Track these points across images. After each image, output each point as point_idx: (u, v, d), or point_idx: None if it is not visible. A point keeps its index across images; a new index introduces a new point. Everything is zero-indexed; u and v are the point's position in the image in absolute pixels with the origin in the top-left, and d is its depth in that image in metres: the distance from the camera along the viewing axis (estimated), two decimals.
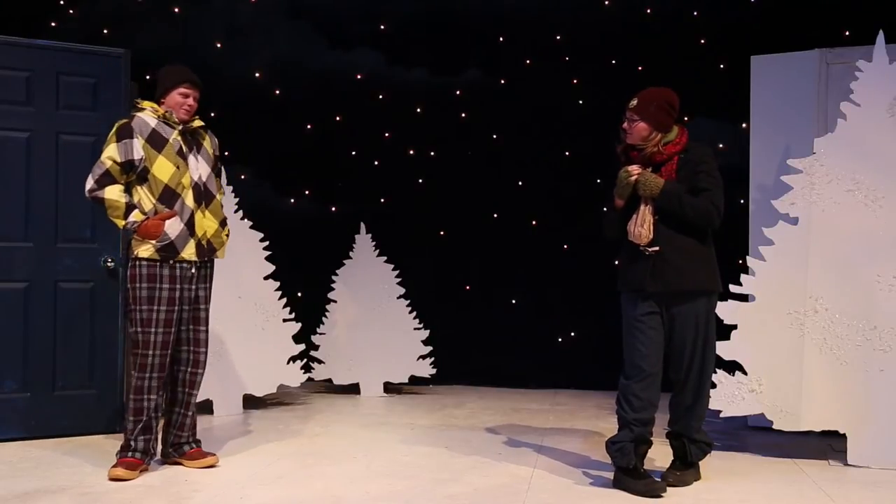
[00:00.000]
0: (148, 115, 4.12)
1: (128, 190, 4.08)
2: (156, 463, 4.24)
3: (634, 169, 3.83)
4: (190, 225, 4.09)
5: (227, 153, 6.80)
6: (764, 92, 5.48)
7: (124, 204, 4.01)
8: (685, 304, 3.83)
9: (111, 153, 4.02)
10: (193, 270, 4.14)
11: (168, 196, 4.05)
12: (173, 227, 4.03)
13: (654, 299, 3.83)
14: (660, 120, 3.85)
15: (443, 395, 6.69)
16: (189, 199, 4.09)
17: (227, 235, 4.35)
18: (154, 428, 4.12)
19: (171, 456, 4.22)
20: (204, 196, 4.17)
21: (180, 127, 4.14)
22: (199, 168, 4.17)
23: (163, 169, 4.04)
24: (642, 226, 3.78)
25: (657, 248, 3.78)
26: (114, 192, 4.01)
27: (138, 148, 4.02)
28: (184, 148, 4.13)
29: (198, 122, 4.24)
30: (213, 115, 6.81)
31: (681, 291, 3.81)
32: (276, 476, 4.08)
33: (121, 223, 4.04)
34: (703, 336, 3.87)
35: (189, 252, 4.08)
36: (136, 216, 4.00)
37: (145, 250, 4.02)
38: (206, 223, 4.16)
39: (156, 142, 4.06)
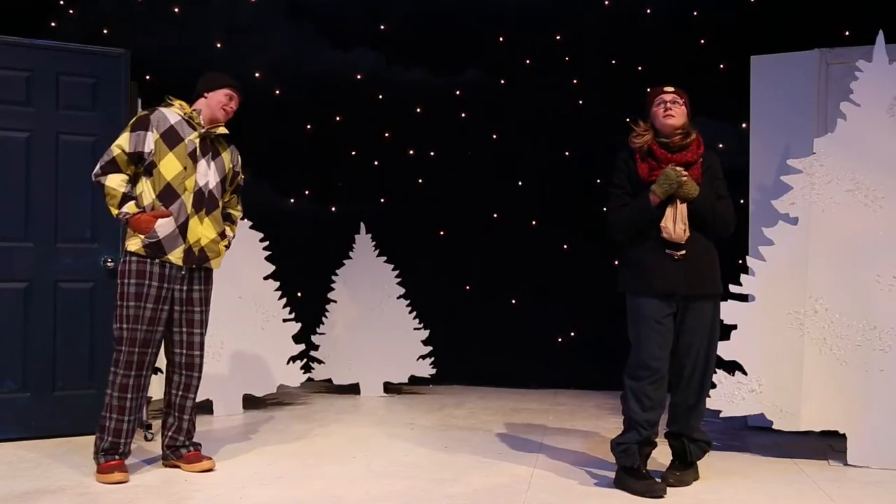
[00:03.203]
0: (172, 112, 4.06)
1: (135, 180, 4.04)
2: (154, 464, 4.24)
3: (681, 169, 3.78)
4: (183, 229, 4.00)
5: None
6: (764, 92, 5.49)
7: (121, 194, 3.95)
8: (701, 305, 3.85)
9: (121, 141, 3.98)
10: (184, 272, 4.06)
11: (168, 195, 3.98)
12: (164, 227, 3.96)
13: (677, 301, 3.84)
14: (689, 113, 3.93)
15: (443, 395, 6.69)
16: (188, 202, 4.01)
17: (227, 247, 4.25)
18: (135, 429, 4.07)
19: (168, 458, 4.20)
20: (206, 203, 4.08)
21: (202, 130, 4.07)
22: (208, 175, 4.09)
23: (169, 167, 3.98)
24: (683, 223, 3.78)
25: (684, 252, 3.79)
26: (114, 181, 3.96)
27: (150, 141, 3.96)
28: (198, 152, 4.06)
29: (221, 130, 4.16)
30: None
31: (704, 294, 3.84)
32: (276, 476, 4.07)
33: (115, 211, 3.98)
34: (708, 336, 3.90)
35: (176, 256, 3.99)
36: (129, 208, 3.94)
37: (134, 244, 3.97)
38: (201, 231, 4.06)
39: (170, 139, 3.99)
